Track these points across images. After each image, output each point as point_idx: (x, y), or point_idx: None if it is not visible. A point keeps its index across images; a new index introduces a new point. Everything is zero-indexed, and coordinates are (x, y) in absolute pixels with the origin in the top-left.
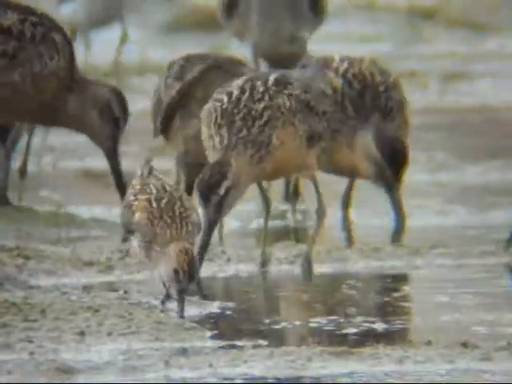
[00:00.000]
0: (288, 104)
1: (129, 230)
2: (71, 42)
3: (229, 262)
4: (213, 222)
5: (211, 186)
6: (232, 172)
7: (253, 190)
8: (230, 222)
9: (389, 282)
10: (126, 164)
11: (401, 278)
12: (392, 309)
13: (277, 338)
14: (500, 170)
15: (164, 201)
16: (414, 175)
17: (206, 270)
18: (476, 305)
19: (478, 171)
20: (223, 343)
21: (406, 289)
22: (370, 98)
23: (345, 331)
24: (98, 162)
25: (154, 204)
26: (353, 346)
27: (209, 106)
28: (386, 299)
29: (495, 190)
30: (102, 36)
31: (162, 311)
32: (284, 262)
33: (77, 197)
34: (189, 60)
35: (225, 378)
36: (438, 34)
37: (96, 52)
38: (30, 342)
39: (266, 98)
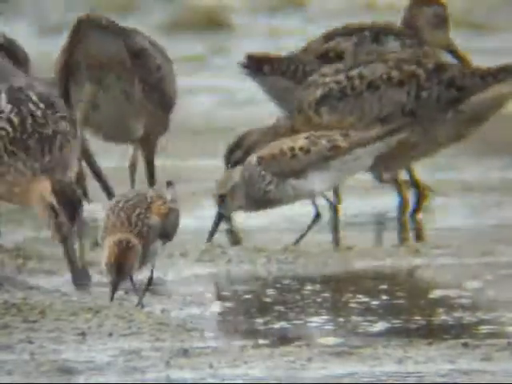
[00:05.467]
0: (68, 129)
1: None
2: None
3: (229, 263)
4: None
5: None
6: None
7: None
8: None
9: (389, 282)
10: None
11: (401, 278)
12: (392, 309)
13: (277, 338)
14: (500, 169)
15: (131, 202)
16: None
17: (206, 271)
18: (476, 305)
19: (478, 171)
20: (223, 344)
21: (406, 289)
22: None
23: (345, 331)
24: (98, 161)
25: (120, 204)
26: (353, 346)
27: None
28: (386, 299)
29: (495, 189)
30: None
31: (162, 312)
32: (284, 262)
33: None
34: None
35: (225, 379)
36: None
37: None
38: (31, 342)
39: (50, 121)
